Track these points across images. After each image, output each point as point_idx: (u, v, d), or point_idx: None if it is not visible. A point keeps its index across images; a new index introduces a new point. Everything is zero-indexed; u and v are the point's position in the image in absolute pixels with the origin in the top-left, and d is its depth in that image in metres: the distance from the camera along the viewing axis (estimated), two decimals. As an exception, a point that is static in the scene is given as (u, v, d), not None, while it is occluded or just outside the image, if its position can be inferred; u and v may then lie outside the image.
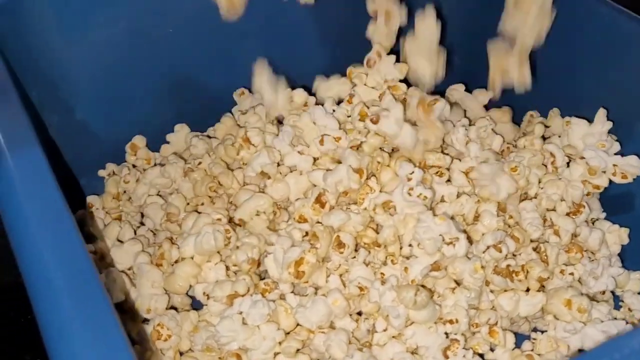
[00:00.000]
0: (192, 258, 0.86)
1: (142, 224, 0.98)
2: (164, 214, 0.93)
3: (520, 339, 0.86)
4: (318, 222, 0.85)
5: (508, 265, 0.86)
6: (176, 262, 0.88)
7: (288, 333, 0.82)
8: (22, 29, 0.85)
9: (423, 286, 0.82)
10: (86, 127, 0.98)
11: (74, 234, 0.59)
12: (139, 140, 1.03)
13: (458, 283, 0.85)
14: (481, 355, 0.84)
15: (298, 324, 0.83)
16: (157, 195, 0.97)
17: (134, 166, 1.01)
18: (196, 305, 0.89)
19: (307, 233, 0.85)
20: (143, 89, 1.00)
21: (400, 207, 0.83)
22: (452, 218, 0.86)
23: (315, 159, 0.89)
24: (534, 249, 0.90)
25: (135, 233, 0.95)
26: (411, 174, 0.82)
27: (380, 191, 0.85)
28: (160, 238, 0.92)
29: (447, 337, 0.81)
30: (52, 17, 0.89)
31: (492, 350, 0.85)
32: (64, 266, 0.57)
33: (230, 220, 0.89)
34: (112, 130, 1.01)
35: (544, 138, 0.99)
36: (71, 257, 0.58)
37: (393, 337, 0.82)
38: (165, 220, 0.92)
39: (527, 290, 0.87)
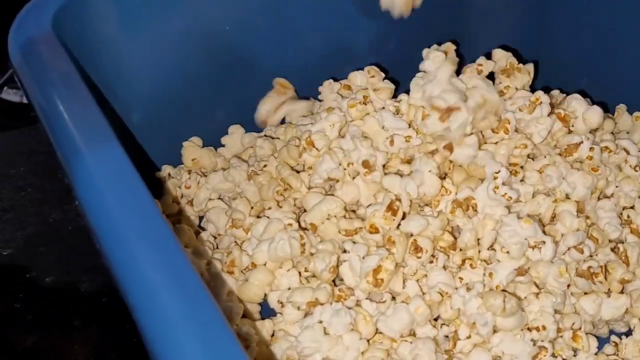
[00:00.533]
0: (264, 265, 0.83)
1: (201, 228, 0.96)
2: (228, 219, 0.90)
3: (600, 342, 0.84)
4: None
5: (589, 267, 0.84)
6: (246, 269, 0.85)
7: (368, 341, 0.79)
8: (86, 29, 0.82)
9: (507, 291, 0.79)
10: (142, 128, 0.95)
11: (167, 230, 0.57)
12: (197, 142, 1.00)
13: (538, 286, 0.82)
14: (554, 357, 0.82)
15: (377, 332, 0.80)
16: (219, 199, 0.94)
17: (189, 171, 0.98)
18: (265, 314, 0.86)
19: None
20: (199, 90, 0.97)
21: (482, 205, 0.80)
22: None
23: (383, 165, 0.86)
24: (612, 249, 0.87)
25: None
26: (497, 172, 0.79)
27: (456, 193, 0.82)
28: (225, 244, 0.90)
29: (534, 344, 0.78)
30: (112, 17, 0.86)
31: (574, 354, 0.82)
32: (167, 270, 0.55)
33: (299, 225, 0.86)
34: (167, 131, 0.98)
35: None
36: (170, 257, 0.55)
37: (476, 344, 0.79)
38: (230, 226, 0.89)
39: (609, 292, 0.84)
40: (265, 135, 0.96)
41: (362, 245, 0.80)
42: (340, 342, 0.77)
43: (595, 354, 0.82)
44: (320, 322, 0.78)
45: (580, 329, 0.82)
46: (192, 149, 0.99)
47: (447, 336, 0.82)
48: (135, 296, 0.53)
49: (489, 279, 0.79)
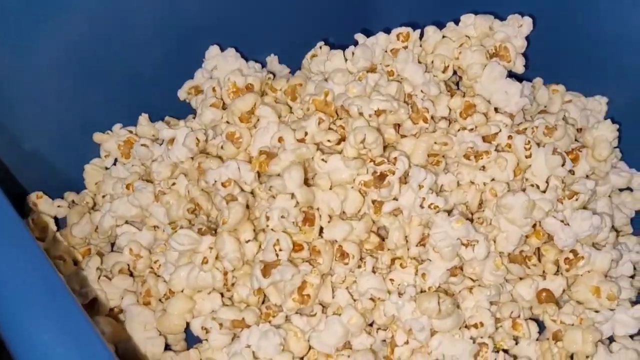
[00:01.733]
0: (182, 292, 0.78)
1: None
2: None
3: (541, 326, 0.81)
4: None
5: (521, 251, 0.81)
6: (164, 297, 0.80)
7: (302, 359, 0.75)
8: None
9: (441, 291, 0.76)
10: (35, 156, 0.88)
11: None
12: (100, 163, 0.93)
13: (473, 280, 0.79)
14: (506, 351, 0.79)
15: (311, 348, 0.76)
16: (127, 224, 0.87)
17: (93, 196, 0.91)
18: (190, 342, 0.81)
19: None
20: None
21: (408, 212, 0.76)
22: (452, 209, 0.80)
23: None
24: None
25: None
26: (423, 180, 0.75)
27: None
28: (140, 270, 0.83)
29: (473, 342, 0.75)
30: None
31: (516, 343, 0.80)
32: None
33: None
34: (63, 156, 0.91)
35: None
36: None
37: (414, 349, 0.76)
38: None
39: (544, 274, 0.82)
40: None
41: (287, 267, 0.74)
42: (272, 367, 0.72)
43: (537, 339, 0.80)
44: (248, 346, 0.73)
45: (519, 316, 0.79)
46: (95, 172, 0.91)
47: (384, 340, 0.79)
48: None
49: (421, 280, 0.75)
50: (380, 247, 0.79)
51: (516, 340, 0.80)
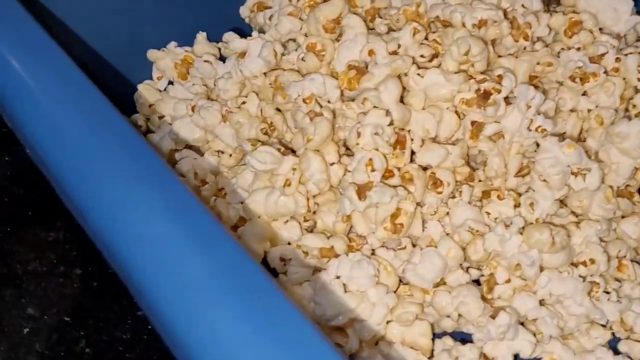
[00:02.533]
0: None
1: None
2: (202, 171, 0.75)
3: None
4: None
5: (627, 186, 0.74)
6: (235, 226, 0.71)
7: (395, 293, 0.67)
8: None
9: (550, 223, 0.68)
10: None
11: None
12: (153, 84, 0.84)
13: (576, 215, 0.72)
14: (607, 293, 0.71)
15: (402, 283, 0.68)
16: (187, 148, 0.79)
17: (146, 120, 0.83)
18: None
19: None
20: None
21: (510, 137, 0.69)
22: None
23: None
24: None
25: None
26: (531, 99, 0.67)
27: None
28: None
29: (583, 280, 0.68)
30: None
31: (620, 286, 0.72)
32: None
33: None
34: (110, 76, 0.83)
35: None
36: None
37: (516, 288, 0.68)
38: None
39: (647, 213, 0.74)
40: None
41: (382, 189, 0.66)
42: (365, 299, 0.64)
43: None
44: (338, 277, 0.65)
45: (625, 256, 0.72)
46: (149, 93, 0.83)
47: (475, 280, 0.71)
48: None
49: (528, 210, 0.67)
50: (470, 177, 0.72)
51: (620, 282, 0.72)
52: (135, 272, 0.45)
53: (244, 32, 0.88)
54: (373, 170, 0.65)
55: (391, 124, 0.66)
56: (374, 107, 0.66)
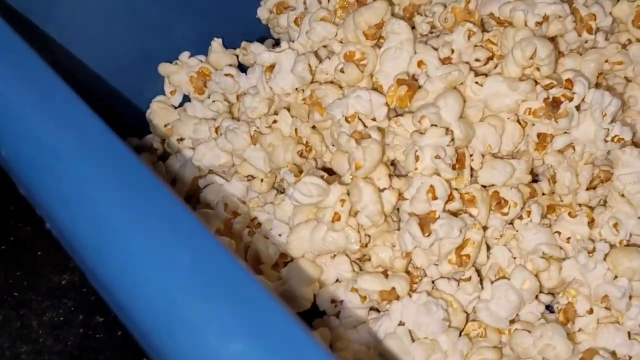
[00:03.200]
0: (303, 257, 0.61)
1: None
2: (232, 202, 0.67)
3: None
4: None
5: None
6: (276, 266, 0.63)
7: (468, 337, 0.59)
8: None
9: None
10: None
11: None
12: (167, 100, 0.75)
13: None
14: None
15: (469, 320, 0.60)
16: (212, 173, 0.70)
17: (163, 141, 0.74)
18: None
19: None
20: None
21: (582, 149, 0.61)
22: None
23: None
24: None
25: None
26: (607, 106, 0.59)
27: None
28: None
29: (678, 306, 0.60)
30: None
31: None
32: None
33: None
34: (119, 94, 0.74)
35: None
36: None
37: (600, 320, 0.60)
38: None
39: None
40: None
41: (448, 220, 0.58)
42: (437, 348, 0.56)
43: None
44: (402, 323, 0.57)
45: None
46: (164, 111, 0.74)
47: (548, 307, 0.64)
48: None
49: (612, 231, 0.59)
50: (533, 193, 0.64)
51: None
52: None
53: (262, 35, 0.80)
54: (435, 198, 0.57)
55: (452, 142, 0.58)
56: (433, 125, 0.57)
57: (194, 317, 0.32)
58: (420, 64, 0.61)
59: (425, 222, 0.56)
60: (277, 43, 0.80)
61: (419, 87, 0.60)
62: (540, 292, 0.63)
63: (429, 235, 0.56)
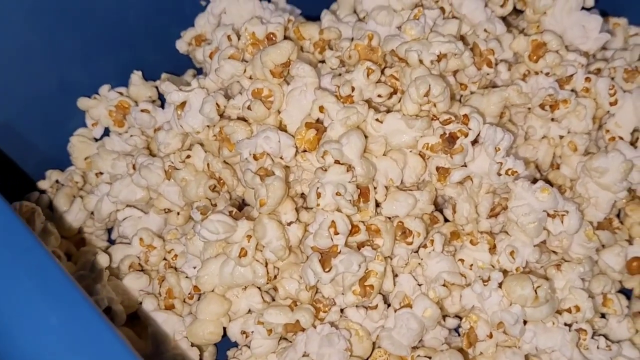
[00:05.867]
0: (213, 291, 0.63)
1: (110, 242, 0.74)
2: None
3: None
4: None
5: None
6: (189, 297, 0.65)
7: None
8: None
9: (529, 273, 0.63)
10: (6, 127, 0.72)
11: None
12: (88, 134, 0.77)
13: (555, 252, 0.67)
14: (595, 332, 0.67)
15: (375, 347, 0.63)
16: (129, 207, 0.72)
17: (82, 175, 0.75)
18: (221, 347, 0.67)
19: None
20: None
21: (479, 181, 0.63)
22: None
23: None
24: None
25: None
26: (500, 142, 0.61)
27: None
28: (153, 263, 0.69)
29: (569, 329, 0.63)
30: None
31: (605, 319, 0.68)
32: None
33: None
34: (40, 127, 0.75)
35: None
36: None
37: (499, 344, 0.63)
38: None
39: (630, 239, 0.70)
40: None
41: (349, 255, 0.60)
42: (338, 378, 0.59)
43: (625, 314, 0.68)
44: (306, 355, 0.59)
45: (610, 291, 0.67)
46: (83, 145, 0.76)
47: (455, 329, 0.66)
48: None
49: (508, 258, 0.62)
50: (434, 220, 0.66)
51: (604, 316, 0.68)
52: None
53: (182, 64, 0.82)
54: (337, 233, 0.59)
55: (353, 179, 0.60)
56: (336, 161, 0.59)
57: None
58: (321, 109, 0.63)
59: (327, 257, 0.59)
60: (199, 72, 0.82)
61: (325, 129, 0.62)
62: (447, 316, 0.66)
63: (329, 271, 0.58)
